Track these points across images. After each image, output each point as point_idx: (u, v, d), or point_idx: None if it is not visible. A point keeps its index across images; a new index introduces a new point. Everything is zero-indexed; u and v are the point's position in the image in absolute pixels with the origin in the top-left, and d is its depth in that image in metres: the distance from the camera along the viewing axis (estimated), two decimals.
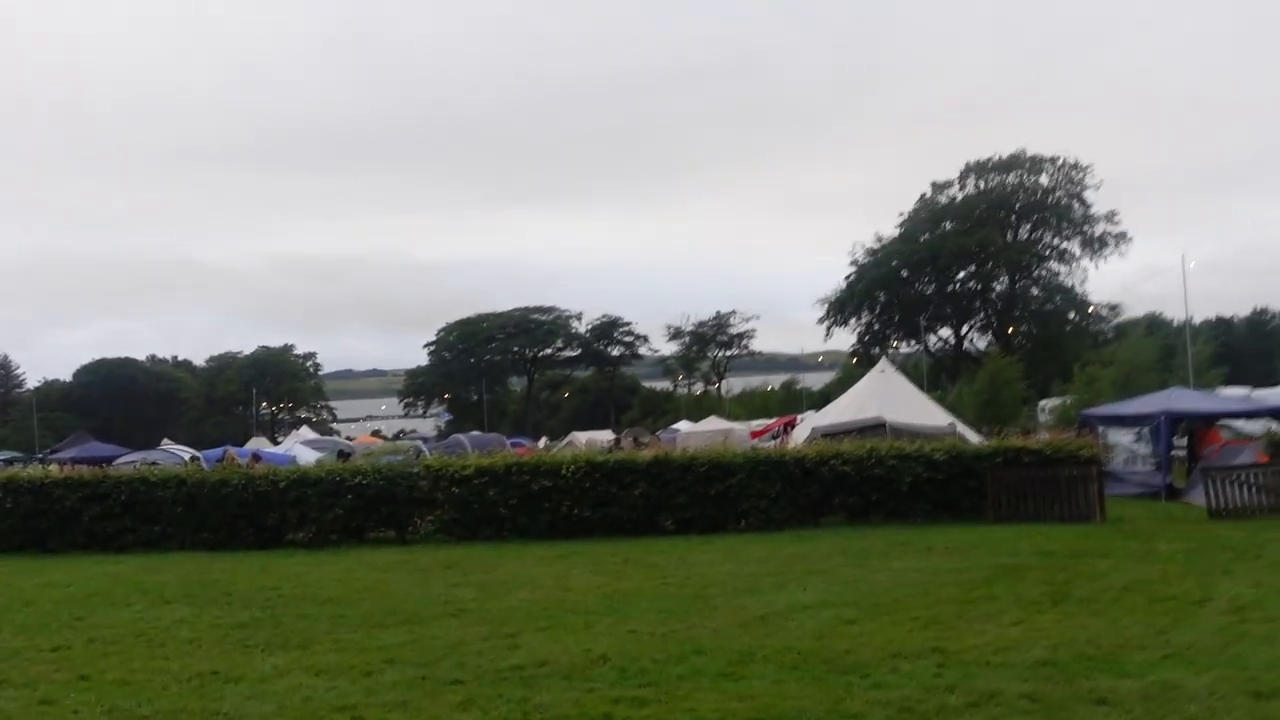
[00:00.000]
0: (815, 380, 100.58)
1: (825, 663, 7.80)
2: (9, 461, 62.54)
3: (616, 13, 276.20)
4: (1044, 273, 70.90)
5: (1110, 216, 70.07)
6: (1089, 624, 8.95)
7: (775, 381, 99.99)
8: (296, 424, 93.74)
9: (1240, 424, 25.03)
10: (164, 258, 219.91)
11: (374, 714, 6.79)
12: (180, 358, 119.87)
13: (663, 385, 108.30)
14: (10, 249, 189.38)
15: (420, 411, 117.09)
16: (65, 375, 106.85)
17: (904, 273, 71.92)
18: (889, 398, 24.77)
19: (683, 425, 49.59)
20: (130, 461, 28.03)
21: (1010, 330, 70.58)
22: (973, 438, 23.09)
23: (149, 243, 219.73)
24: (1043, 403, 52.30)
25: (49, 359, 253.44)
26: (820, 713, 6.52)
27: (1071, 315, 70.47)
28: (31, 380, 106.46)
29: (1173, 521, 17.59)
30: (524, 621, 9.86)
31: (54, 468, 22.88)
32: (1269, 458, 19.77)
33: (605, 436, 46.72)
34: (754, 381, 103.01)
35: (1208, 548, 13.79)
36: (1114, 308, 70.87)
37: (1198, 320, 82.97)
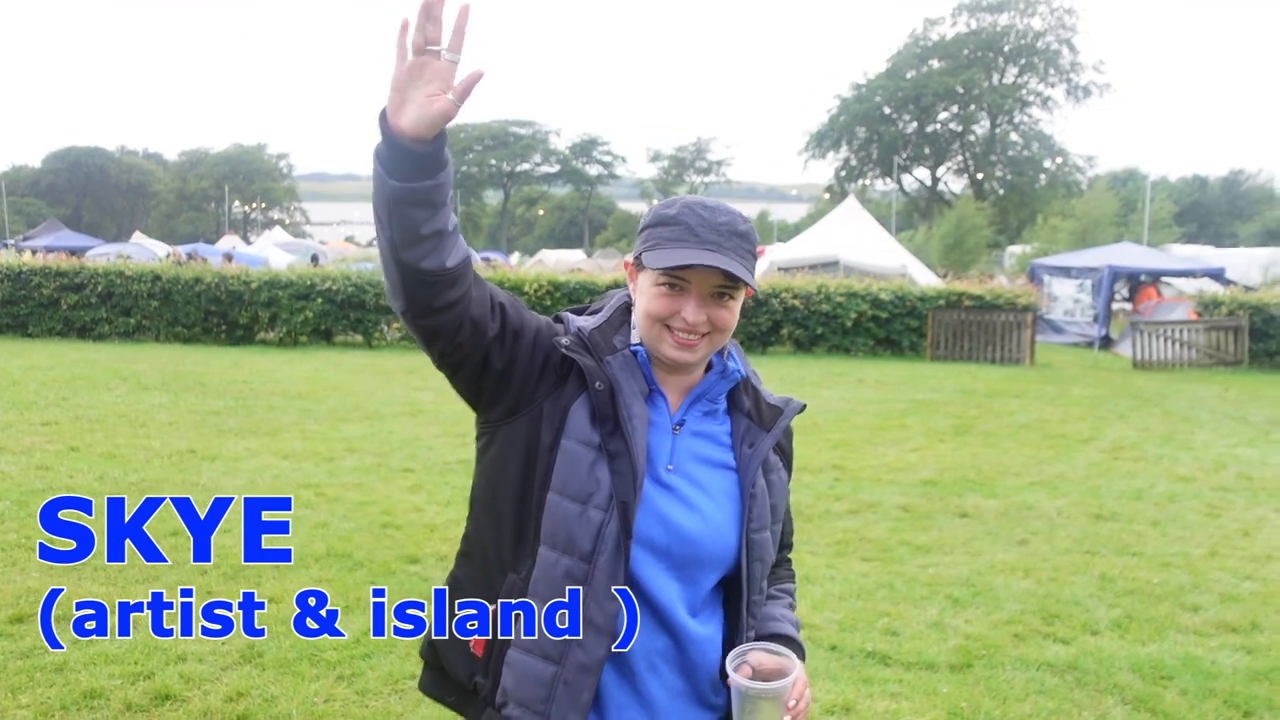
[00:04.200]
0: (790, 212, 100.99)
1: None
2: None
3: None
4: (1025, 119, 70.47)
5: (1098, 65, 69.58)
6: (980, 453, 10.01)
7: (751, 210, 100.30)
8: (269, 225, 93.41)
9: (1181, 283, 26.04)
10: None
11: (334, 491, 7.73)
12: (151, 150, 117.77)
13: (640, 209, 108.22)
14: None
15: None
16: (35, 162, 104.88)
17: (886, 109, 71.26)
18: (850, 236, 25.50)
19: None
20: (104, 254, 28.39)
21: (984, 175, 70.71)
22: (926, 279, 24.00)
23: None
24: (1010, 249, 53.30)
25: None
26: None
27: (1047, 164, 70.58)
28: None
29: (1097, 370, 18.76)
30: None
31: (28, 254, 23.27)
32: (1198, 316, 20.82)
33: (575, 257, 47.30)
34: None
35: (1117, 395, 14.93)
36: (1090, 159, 71.07)
37: (1174, 178, 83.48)
